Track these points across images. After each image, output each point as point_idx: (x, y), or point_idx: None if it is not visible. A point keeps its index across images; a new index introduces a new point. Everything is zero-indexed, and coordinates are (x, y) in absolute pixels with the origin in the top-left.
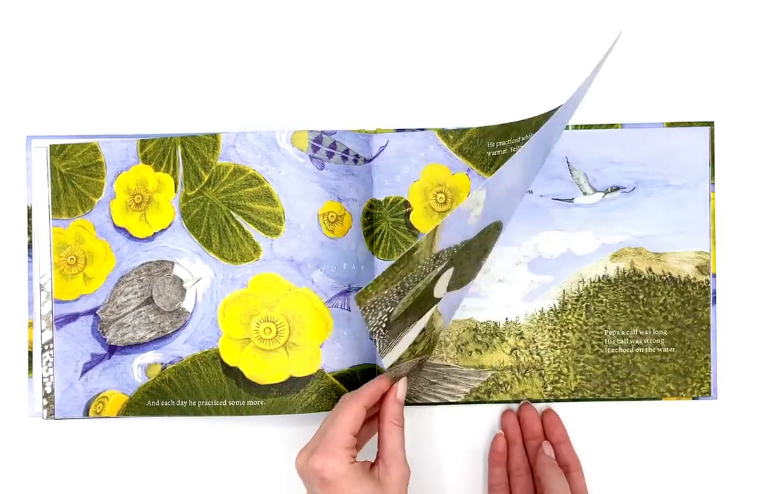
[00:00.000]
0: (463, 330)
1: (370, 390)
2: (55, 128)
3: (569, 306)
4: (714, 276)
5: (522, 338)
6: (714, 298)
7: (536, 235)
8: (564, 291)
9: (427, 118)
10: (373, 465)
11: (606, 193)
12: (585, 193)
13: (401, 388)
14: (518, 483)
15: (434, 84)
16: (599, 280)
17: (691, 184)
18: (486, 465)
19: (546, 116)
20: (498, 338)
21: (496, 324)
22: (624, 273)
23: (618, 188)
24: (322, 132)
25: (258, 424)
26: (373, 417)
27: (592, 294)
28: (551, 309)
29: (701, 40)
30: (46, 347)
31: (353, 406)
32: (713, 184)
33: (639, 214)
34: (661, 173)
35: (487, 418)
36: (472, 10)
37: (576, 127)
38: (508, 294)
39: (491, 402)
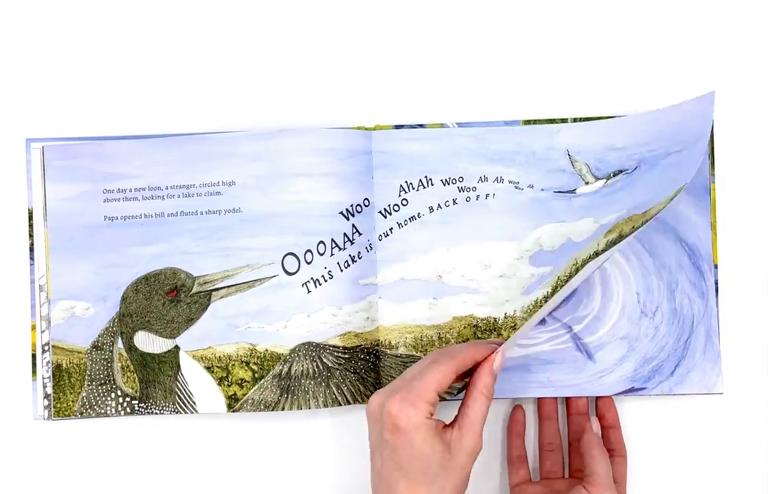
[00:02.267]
0: (464, 327)
1: (464, 355)
2: (55, 131)
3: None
4: (716, 267)
5: (515, 331)
6: (716, 289)
7: (537, 229)
8: (558, 277)
9: (427, 114)
10: (446, 427)
11: (608, 179)
12: (587, 183)
13: (498, 360)
14: (548, 458)
15: (433, 81)
16: (589, 258)
17: (691, 143)
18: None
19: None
20: (495, 333)
21: (495, 319)
22: (611, 243)
23: (621, 171)
24: None
25: (257, 422)
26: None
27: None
28: (544, 297)
29: (700, 27)
30: (45, 348)
31: (445, 366)
32: (713, 175)
33: (639, 187)
34: (664, 146)
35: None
36: (471, 6)
37: (576, 119)
38: (508, 289)
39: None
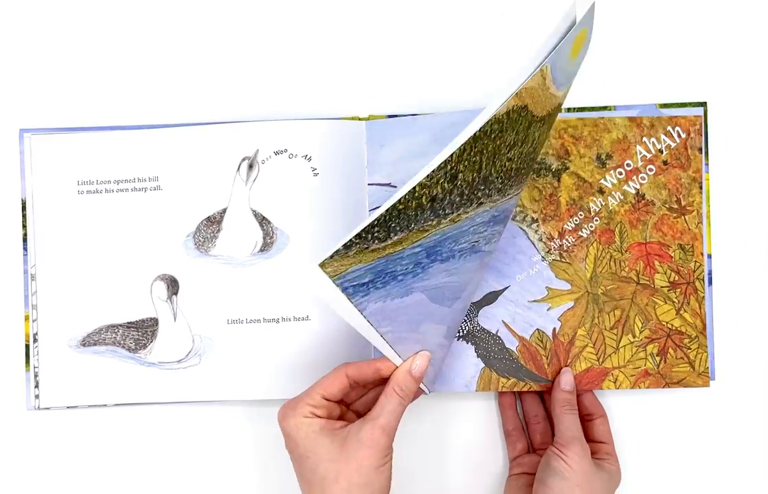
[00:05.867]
0: None
1: (366, 365)
2: (48, 121)
3: None
4: (710, 257)
5: None
6: (710, 279)
7: None
8: None
9: (419, 104)
10: (346, 424)
11: None
12: None
13: (419, 361)
14: (537, 431)
15: (426, 72)
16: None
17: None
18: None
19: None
20: None
21: None
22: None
23: None
24: None
25: (255, 412)
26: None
27: None
28: None
29: (694, 19)
30: (36, 338)
31: (336, 372)
32: (707, 164)
33: None
34: None
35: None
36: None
37: (569, 109)
38: None
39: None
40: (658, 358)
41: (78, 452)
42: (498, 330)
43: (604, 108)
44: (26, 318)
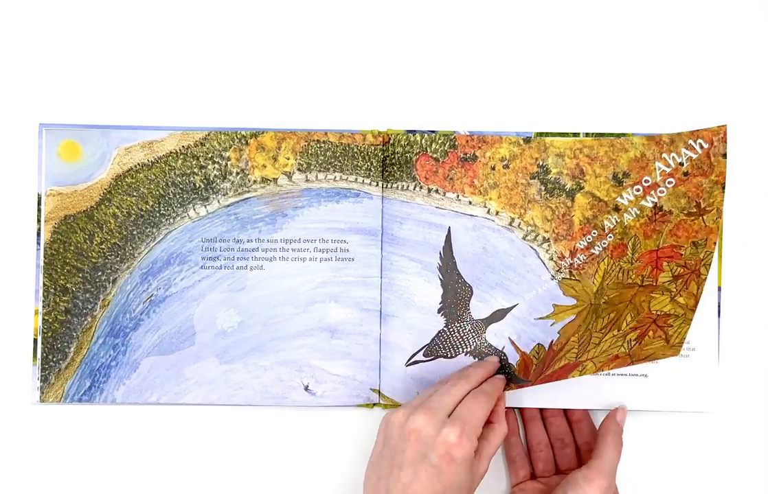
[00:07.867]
0: None
1: (498, 388)
2: (68, 117)
3: None
4: (720, 289)
5: None
6: (719, 311)
7: None
8: None
9: (439, 120)
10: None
11: None
12: None
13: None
14: (539, 459)
15: (446, 86)
16: None
17: None
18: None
19: None
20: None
21: None
22: None
23: None
24: None
25: (251, 412)
26: None
27: None
28: None
29: (713, 46)
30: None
31: (490, 403)
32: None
33: None
34: None
35: None
36: (487, 11)
37: (588, 134)
38: None
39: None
40: (634, 343)
41: (83, 447)
42: (504, 347)
43: (622, 134)
44: (36, 312)
